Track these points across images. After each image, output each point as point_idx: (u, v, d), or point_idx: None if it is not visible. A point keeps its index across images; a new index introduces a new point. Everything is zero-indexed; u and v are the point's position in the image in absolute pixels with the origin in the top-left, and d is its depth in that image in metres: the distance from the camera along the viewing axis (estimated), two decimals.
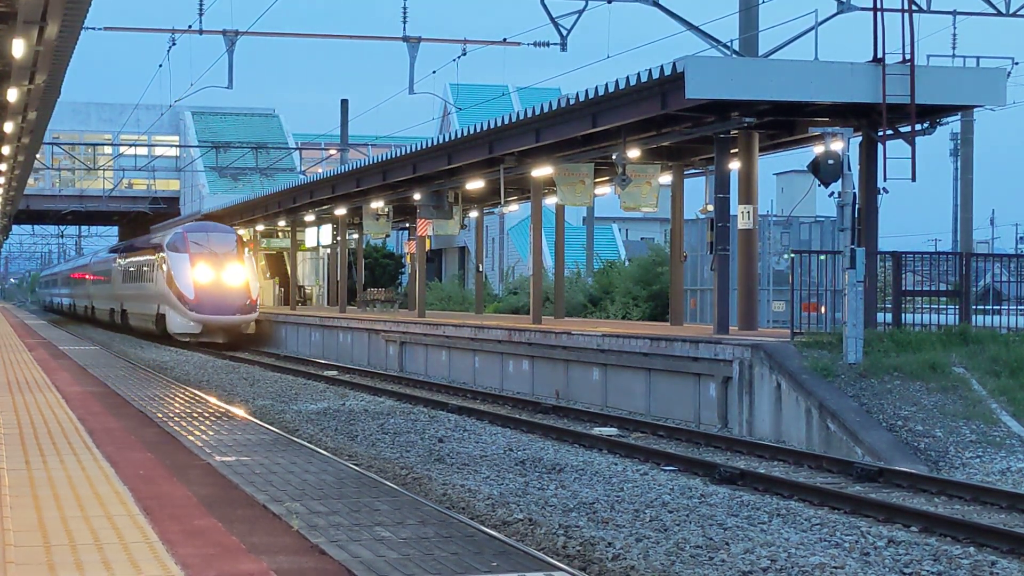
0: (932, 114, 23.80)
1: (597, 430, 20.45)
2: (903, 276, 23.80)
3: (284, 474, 11.70)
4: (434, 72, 39.54)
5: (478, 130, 30.81)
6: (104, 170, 71.94)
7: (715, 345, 21.45)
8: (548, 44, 33.45)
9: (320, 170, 61.66)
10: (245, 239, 53.11)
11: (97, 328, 68.42)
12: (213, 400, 20.82)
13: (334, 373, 33.02)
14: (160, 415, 16.91)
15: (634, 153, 27.40)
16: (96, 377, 23.83)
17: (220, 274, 47.41)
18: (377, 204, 42.58)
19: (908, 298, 24.15)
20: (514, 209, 46.42)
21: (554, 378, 26.46)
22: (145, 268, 52.72)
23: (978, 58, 24.10)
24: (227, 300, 46.78)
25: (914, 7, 23.59)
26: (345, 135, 60.81)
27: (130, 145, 68.89)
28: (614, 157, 27.44)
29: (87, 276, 77.08)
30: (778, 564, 10.38)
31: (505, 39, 35.97)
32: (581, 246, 57.48)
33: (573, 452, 17.15)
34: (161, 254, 49.35)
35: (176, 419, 16.47)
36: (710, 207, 28.54)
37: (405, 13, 34.56)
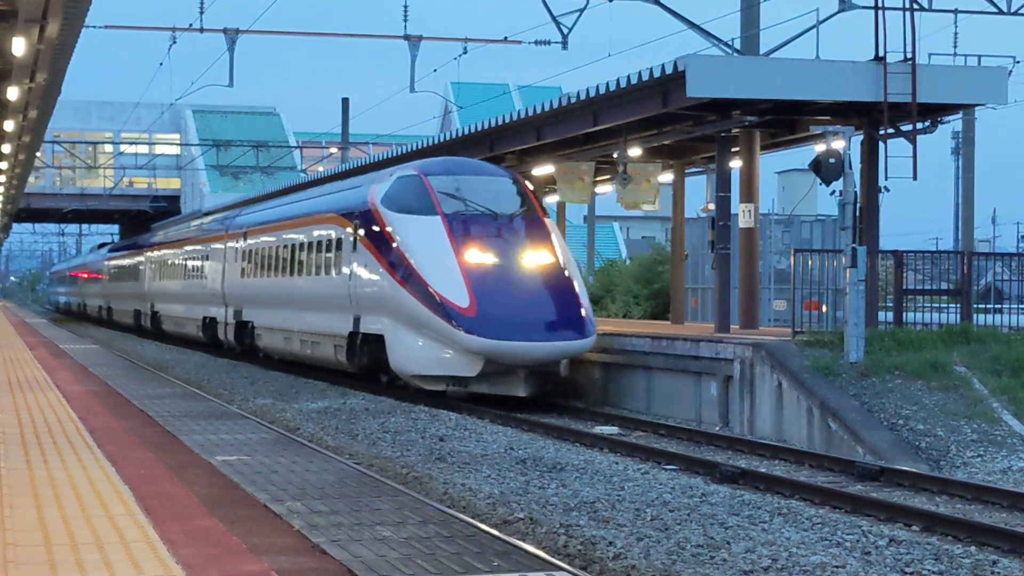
0: (933, 113, 23.79)
1: (598, 429, 20.45)
2: (904, 275, 23.79)
3: (285, 473, 11.69)
4: (435, 70, 39.54)
5: (479, 129, 30.80)
6: (105, 168, 71.86)
7: (716, 344, 21.45)
8: (549, 43, 33.44)
9: (321, 168, 61.62)
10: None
11: (157, 342, 47.17)
12: (214, 399, 20.82)
13: None
14: (161, 414, 16.91)
15: (635, 152, 27.40)
16: (97, 376, 23.83)
17: (514, 258, 23.60)
18: None
19: (909, 297, 24.15)
20: None
21: None
22: (312, 250, 29.25)
23: (979, 57, 24.08)
24: (538, 310, 23.10)
25: (915, 6, 23.58)
26: (346, 134, 60.77)
27: (131, 143, 68.82)
28: (615, 156, 27.45)
29: (138, 264, 55.79)
30: (779, 563, 10.37)
31: (506, 37, 35.94)
32: (582, 245, 57.48)
33: (574, 451, 17.14)
34: (357, 224, 25.94)
35: (177, 418, 16.47)
36: (711, 206, 28.54)
37: (406, 11, 34.55)
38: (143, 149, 72.13)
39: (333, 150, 65.97)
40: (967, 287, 24.10)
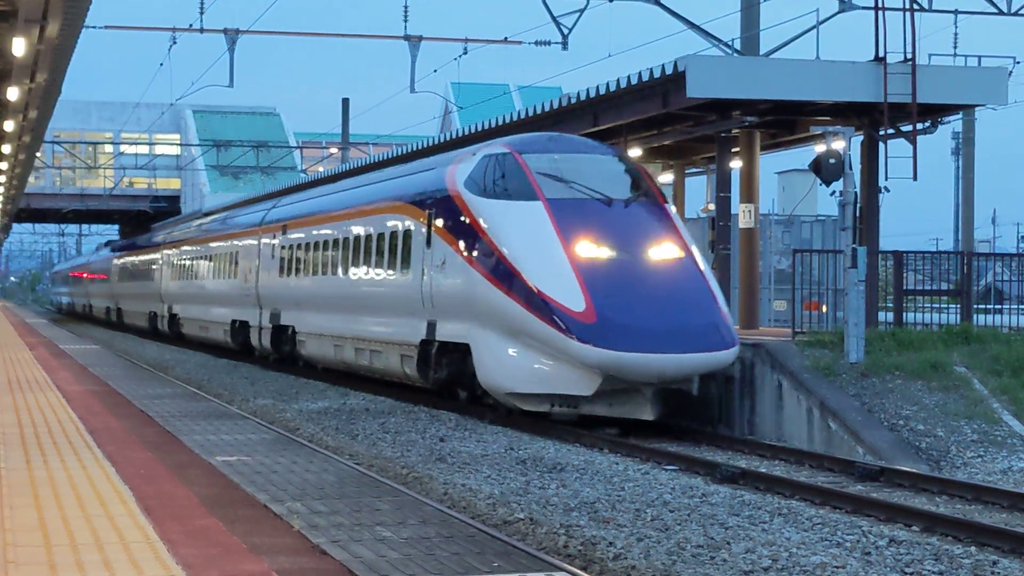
0: (933, 113, 23.80)
1: (598, 429, 20.43)
2: (904, 275, 23.80)
3: (285, 474, 11.69)
4: (435, 71, 39.53)
5: (478, 130, 30.78)
6: (105, 169, 71.87)
7: None
8: (549, 43, 33.43)
9: (321, 169, 61.63)
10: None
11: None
12: (214, 399, 20.82)
13: None
14: (161, 414, 16.91)
15: (635, 152, 27.40)
16: (97, 376, 23.84)
17: (636, 251, 19.75)
18: None
19: (910, 297, 24.16)
20: None
21: None
22: (371, 245, 25.16)
23: (980, 57, 24.09)
24: (670, 314, 19.13)
25: (915, 6, 23.58)
26: (346, 134, 60.79)
27: (131, 143, 68.81)
28: None
29: (153, 263, 50.85)
30: (779, 563, 10.37)
31: (506, 38, 35.93)
32: None
33: (574, 451, 17.14)
34: (432, 212, 22.11)
35: (177, 418, 16.47)
36: (711, 206, 28.52)
37: (406, 12, 34.54)
38: (143, 149, 72.13)
39: (333, 150, 66.00)
40: (967, 287, 24.11)
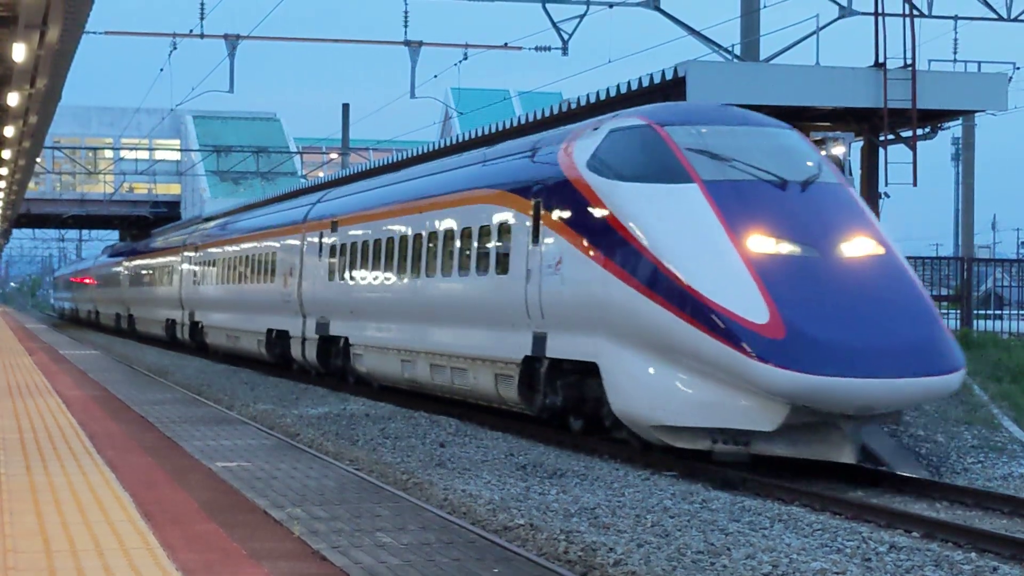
0: (933, 119, 23.84)
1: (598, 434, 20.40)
2: None
3: (285, 479, 11.69)
4: (435, 76, 39.54)
5: (477, 135, 30.78)
6: (105, 174, 71.92)
7: None
8: (549, 48, 33.45)
9: (321, 174, 61.66)
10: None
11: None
12: (214, 404, 20.82)
13: None
14: (161, 420, 16.91)
15: None
16: (97, 381, 23.84)
17: (826, 247, 15.61)
18: None
19: None
20: None
21: None
22: (452, 241, 21.68)
23: (979, 63, 24.15)
24: (879, 327, 14.90)
25: (915, 12, 23.61)
26: (346, 139, 60.80)
27: (131, 149, 68.87)
28: None
29: (171, 266, 46.32)
30: (780, 569, 10.37)
31: (506, 43, 35.96)
32: None
33: (574, 457, 17.13)
34: (541, 200, 18.42)
35: (177, 424, 16.46)
36: None
37: (406, 17, 34.57)
38: (143, 155, 72.17)
39: (334, 155, 66.05)
40: (967, 293, 24.13)
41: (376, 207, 25.69)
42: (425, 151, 34.18)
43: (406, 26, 34.76)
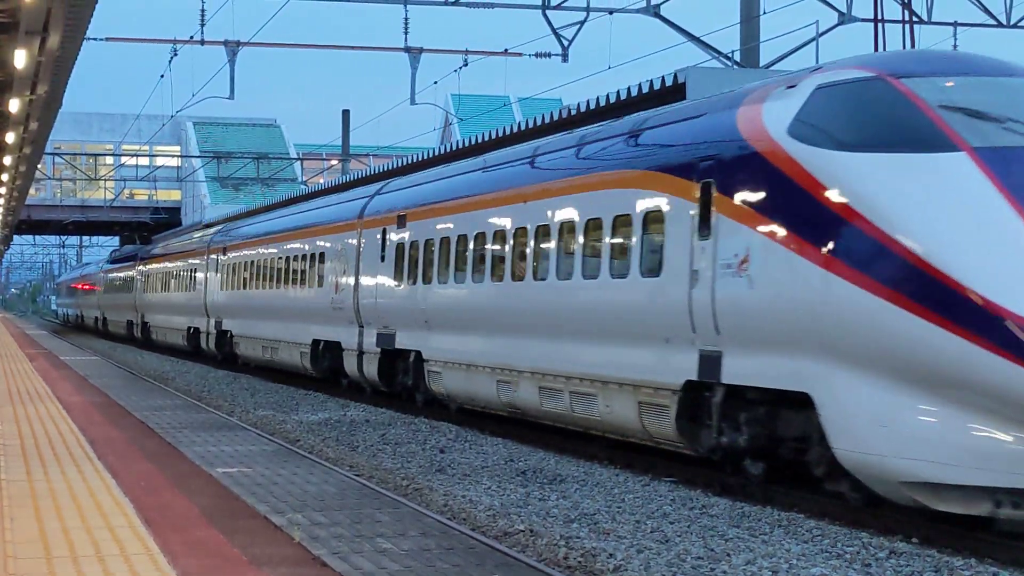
0: None
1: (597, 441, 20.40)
2: None
3: (285, 485, 11.71)
4: (435, 83, 39.64)
5: (479, 142, 30.79)
6: (105, 180, 72.01)
7: None
8: (549, 55, 33.49)
9: (321, 180, 61.69)
10: None
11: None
12: (214, 410, 20.84)
13: None
14: (161, 425, 16.93)
15: None
16: (97, 387, 23.86)
17: None
18: None
19: None
20: None
21: None
22: (573, 236, 17.56)
23: None
24: None
25: (915, 18, 23.64)
26: (346, 145, 60.85)
27: (131, 155, 68.94)
28: None
29: (195, 269, 42.19)
30: (780, 575, 10.38)
31: (507, 50, 36.00)
32: None
33: (574, 463, 17.14)
34: (714, 179, 14.34)
35: (177, 429, 16.48)
36: None
37: (406, 24, 34.61)
38: (144, 161, 72.25)
39: (334, 162, 66.09)
40: None
41: (459, 197, 21.60)
42: (426, 156, 34.13)
43: (406, 33, 34.81)
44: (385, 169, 37.00)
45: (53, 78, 21.12)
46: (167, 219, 77.52)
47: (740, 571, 10.45)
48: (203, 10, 33.92)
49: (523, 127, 28.33)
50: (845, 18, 24.87)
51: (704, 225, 14.29)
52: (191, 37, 34.55)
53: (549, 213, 18.08)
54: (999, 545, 11.73)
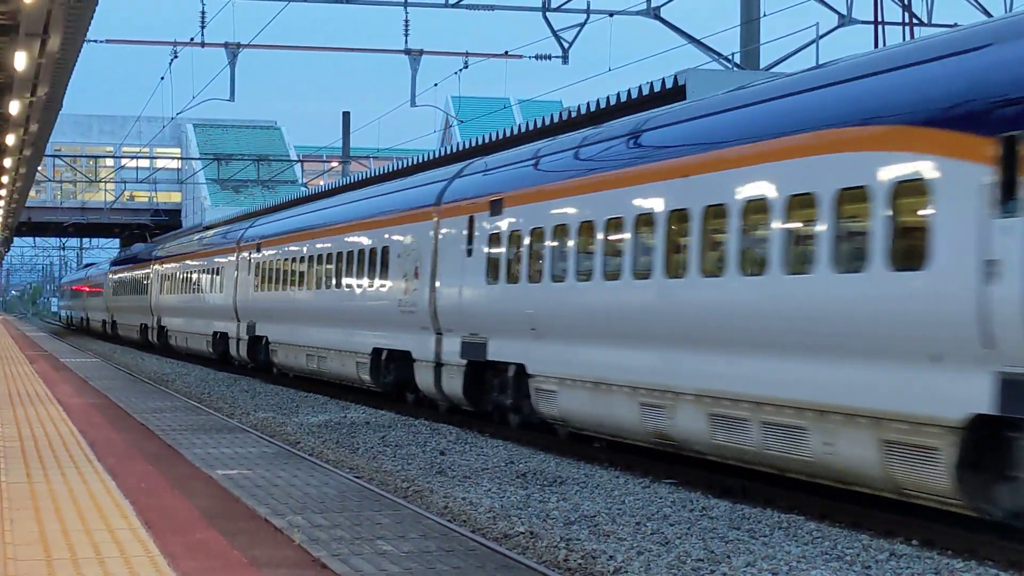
0: None
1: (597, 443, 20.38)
2: None
3: (286, 487, 11.71)
4: (436, 85, 39.78)
5: (475, 144, 30.81)
6: (106, 182, 72.04)
7: None
8: (550, 57, 33.52)
9: (322, 182, 61.72)
10: None
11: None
12: (215, 412, 20.84)
13: None
14: (162, 428, 16.93)
15: None
16: (97, 389, 23.86)
17: None
18: None
19: None
20: None
21: None
22: (776, 212, 13.21)
23: None
24: None
25: (915, 20, 23.66)
26: (347, 147, 60.88)
27: (132, 157, 69.02)
28: None
29: (220, 269, 38.23)
30: None
31: (507, 52, 36.07)
32: None
33: (574, 465, 17.14)
34: None
35: (178, 432, 16.48)
36: None
37: (407, 26, 34.64)
38: (144, 163, 72.30)
39: (334, 164, 66.13)
40: None
41: (577, 177, 17.74)
42: (425, 159, 34.10)
43: (407, 35, 34.84)
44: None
45: (53, 80, 21.13)
46: (167, 221, 77.57)
47: (740, 573, 10.45)
48: (203, 12, 33.97)
49: (522, 129, 28.33)
50: (845, 20, 24.88)
51: (1008, 197, 10.52)
52: (191, 39, 34.59)
53: (725, 189, 14.14)
54: (999, 547, 11.73)
